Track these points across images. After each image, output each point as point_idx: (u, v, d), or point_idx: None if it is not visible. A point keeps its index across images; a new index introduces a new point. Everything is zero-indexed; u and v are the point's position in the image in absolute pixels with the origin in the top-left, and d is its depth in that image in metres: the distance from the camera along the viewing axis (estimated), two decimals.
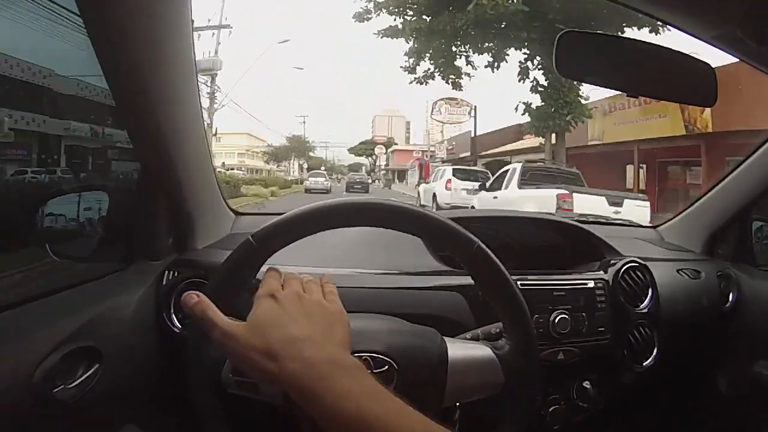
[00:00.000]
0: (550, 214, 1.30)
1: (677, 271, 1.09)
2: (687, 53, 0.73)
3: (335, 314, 0.48)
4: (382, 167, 46.59)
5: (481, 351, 0.56)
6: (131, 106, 0.68)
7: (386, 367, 0.52)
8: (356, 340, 0.53)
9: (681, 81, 0.74)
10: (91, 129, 1.05)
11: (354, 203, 0.56)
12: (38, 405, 0.56)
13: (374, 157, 49.23)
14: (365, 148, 49.74)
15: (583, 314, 0.88)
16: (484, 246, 0.54)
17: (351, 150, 51.44)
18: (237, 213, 1.06)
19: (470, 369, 0.55)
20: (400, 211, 0.55)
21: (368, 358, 0.52)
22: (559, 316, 0.85)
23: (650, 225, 1.40)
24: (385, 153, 45.77)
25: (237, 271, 0.55)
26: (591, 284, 0.91)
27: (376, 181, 41.28)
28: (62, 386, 0.58)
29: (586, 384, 0.89)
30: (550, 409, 0.88)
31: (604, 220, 1.44)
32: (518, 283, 0.83)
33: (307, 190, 19.81)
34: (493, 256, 0.54)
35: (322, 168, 38.95)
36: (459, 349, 0.56)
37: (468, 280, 0.58)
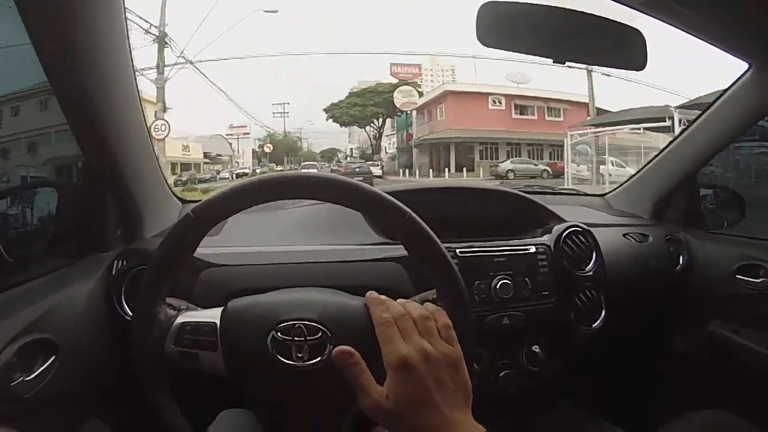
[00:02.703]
0: (495, 184, 1.32)
1: (623, 235, 1.13)
2: (613, 19, 0.75)
3: (457, 363, 0.49)
4: (414, 139, 26.39)
5: None
6: (71, 100, 0.68)
7: (319, 334, 0.54)
8: (290, 309, 0.55)
9: (610, 47, 0.75)
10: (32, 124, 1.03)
11: (288, 176, 0.56)
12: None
13: (379, 120, 30.64)
14: (358, 103, 29.21)
15: (526, 279, 0.90)
16: (415, 215, 0.55)
17: (332, 113, 30.51)
18: (184, 201, 1.07)
19: None
20: (332, 184, 0.56)
21: (302, 326, 0.54)
22: (501, 282, 0.87)
23: (598, 194, 1.43)
24: (414, 104, 25.73)
25: (176, 246, 0.56)
26: (532, 249, 0.93)
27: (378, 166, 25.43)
28: (20, 379, 0.59)
29: (536, 348, 0.91)
30: (501, 375, 0.90)
31: (550, 190, 1.47)
32: (458, 250, 0.87)
33: None
34: (423, 224, 0.56)
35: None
36: None
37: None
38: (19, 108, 0.99)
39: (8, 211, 0.88)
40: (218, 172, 27.31)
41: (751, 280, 1.07)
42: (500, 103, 23.57)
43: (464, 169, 21.25)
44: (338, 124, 32.40)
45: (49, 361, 0.63)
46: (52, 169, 1.12)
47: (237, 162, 34.18)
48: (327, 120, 31.85)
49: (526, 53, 0.70)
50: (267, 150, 30.13)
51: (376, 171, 21.98)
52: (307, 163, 27.29)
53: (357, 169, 19.41)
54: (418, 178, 22.16)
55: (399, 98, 25.99)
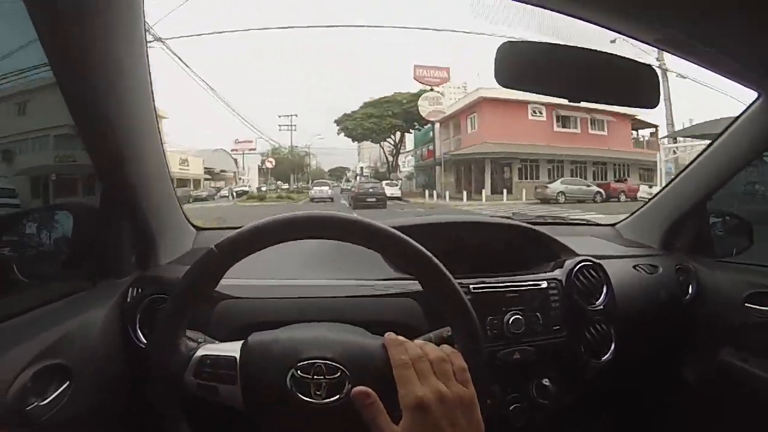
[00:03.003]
0: (504, 217, 1.33)
1: (634, 267, 1.13)
2: (627, 57, 0.76)
3: (470, 405, 0.50)
4: (437, 155, 22.79)
5: None
6: (90, 127, 0.69)
7: (338, 373, 0.54)
8: (310, 347, 0.56)
9: (624, 85, 0.76)
10: (55, 153, 1.05)
11: (311, 217, 0.58)
12: (12, 422, 0.57)
13: (396, 135, 27.19)
14: (374, 114, 25.75)
15: (537, 314, 0.90)
16: (432, 257, 0.57)
17: (345, 126, 27.22)
18: (198, 228, 1.07)
19: None
20: (352, 225, 0.57)
21: (321, 365, 0.54)
22: (513, 317, 0.88)
23: (609, 223, 1.44)
24: (442, 113, 22.32)
25: (199, 280, 0.57)
26: (544, 284, 0.93)
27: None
28: (35, 403, 0.59)
29: (546, 381, 0.91)
30: (511, 408, 0.90)
31: (561, 220, 1.47)
32: (470, 286, 0.87)
33: (312, 199, 19.33)
34: (440, 265, 0.57)
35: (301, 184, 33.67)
36: None
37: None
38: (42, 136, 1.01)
39: (25, 233, 0.89)
40: (218, 190, 25.88)
41: (761, 308, 1.06)
42: (541, 113, 20.32)
43: (504, 191, 17.94)
44: (350, 139, 29.31)
45: (64, 386, 0.64)
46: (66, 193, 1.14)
47: (241, 178, 32.54)
48: (338, 133, 28.25)
49: (542, 93, 0.71)
50: (269, 165, 28.06)
51: (394, 192, 19.89)
52: (319, 180, 26.35)
53: (371, 190, 17.01)
54: (448, 201, 18.56)
55: (425, 106, 22.43)
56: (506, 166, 19.42)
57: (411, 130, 27.82)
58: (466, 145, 21.20)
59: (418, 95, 23.70)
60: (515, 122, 19.45)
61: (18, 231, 0.88)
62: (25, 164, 1.04)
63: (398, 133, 28.32)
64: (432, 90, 23.06)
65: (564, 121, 20.79)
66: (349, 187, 27.08)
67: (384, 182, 20.25)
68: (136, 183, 0.78)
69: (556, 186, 16.31)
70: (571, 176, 18.65)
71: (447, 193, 19.77)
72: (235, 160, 34.80)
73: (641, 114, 20.13)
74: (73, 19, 0.56)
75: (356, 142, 33.13)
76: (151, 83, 0.75)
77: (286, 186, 30.60)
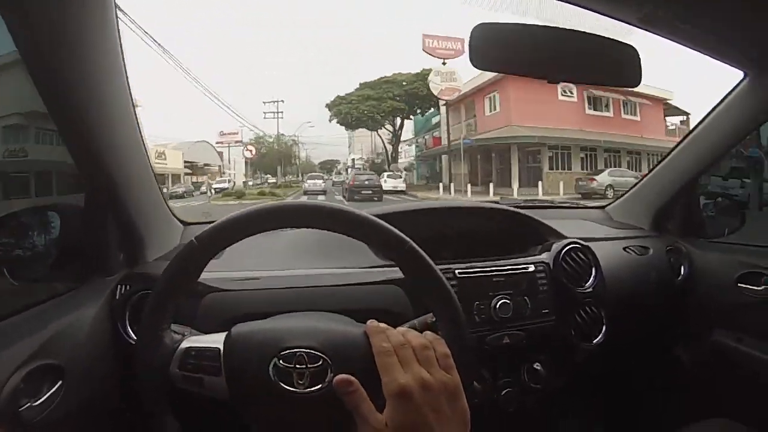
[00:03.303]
0: (490, 201, 1.32)
1: (624, 248, 1.13)
2: (607, 36, 0.75)
3: (455, 391, 0.49)
4: (462, 138, 18.58)
5: None
6: (68, 124, 0.69)
7: (321, 362, 0.54)
8: (292, 336, 0.56)
9: (604, 64, 0.76)
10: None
11: (290, 206, 0.58)
12: (6, 425, 0.57)
13: (396, 122, 24.02)
14: (372, 97, 22.97)
15: (525, 298, 0.90)
16: (415, 246, 0.57)
17: (338, 110, 24.29)
18: (185, 224, 1.07)
19: None
20: (333, 214, 0.58)
21: (303, 354, 0.55)
22: (501, 301, 0.88)
23: (599, 206, 1.43)
24: (458, 91, 18.83)
25: (180, 273, 0.58)
26: (531, 268, 0.93)
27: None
28: (28, 404, 0.59)
29: (537, 366, 0.91)
30: (503, 393, 0.90)
31: (550, 203, 1.47)
32: (456, 271, 0.87)
33: (306, 192, 18.98)
34: (424, 255, 0.57)
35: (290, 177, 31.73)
36: None
37: None
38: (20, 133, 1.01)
39: (12, 234, 0.89)
40: (199, 186, 24.35)
41: (754, 288, 1.06)
42: (572, 93, 17.41)
43: (539, 183, 15.18)
44: (344, 127, 26.58)
45: (56, 386, 0.64)
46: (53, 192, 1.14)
47: (226, 172, 30.25)
48: (331, 120, 25.13)
49: (519, 74, 0.71)
50: (248, 155, 26.48)
51: (398, 184, 18.02)
52: (312, 174, 25.82)
53: (366, 182, 15.92)
54: (470, 195, 15.51)
55: (436, 83, 19.09)
56: (536, 154, 16.77)
57: (411, 116, 25.34)
58: (484, 129, 18.10)
59: (422, 75, 20.98)
60: (544, 103, 15.94)
61: (4, 232, 0.88)
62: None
63: (398, 119, 25.23)
64: (444, 63, 19.33)
65: (595, 102, 18.14)
66: (341, 180, 25.68)
67: (385, 174, 18.94)
68: (118, 180, 0.78)
69: (604, 178, 13.92)
70: (606, 167, 16.28)
71: (469, 187, 16.57)
72: (220, 154, 32.46)
73: (674, 99, 18.48)
74: (42, 8, 0.56)
75: (349, 131, 30.34)
76: (126, 73, 0.75)
77: (273, 180, 27.89)
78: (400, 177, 19.71)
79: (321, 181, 22.02)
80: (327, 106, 25.74)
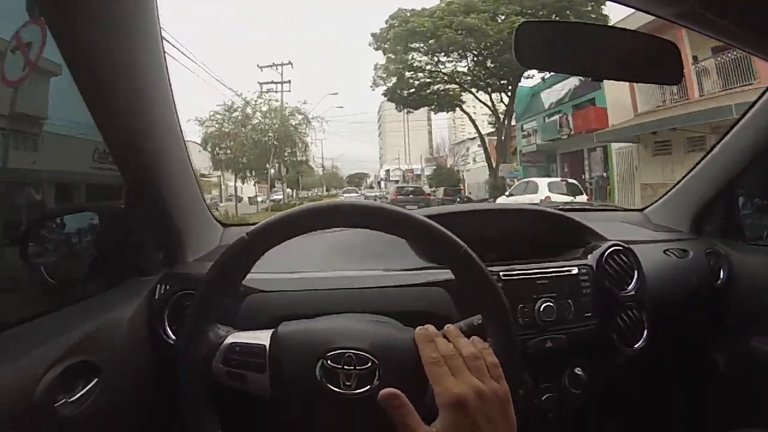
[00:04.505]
0: (532, 204, 1.31)
1: (664, 251, 1.10)
2: (648, 33, 0.75)
3: (505, 400, 0.49)
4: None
5: None
6: (111, 127, 0.70)
7: (369, 363, 0.54)
8: (341, 337, 0.56)
9: (645, 61, 0.75)
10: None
11: (342, 205, 0.58)
12: (41, 419, 0.58)
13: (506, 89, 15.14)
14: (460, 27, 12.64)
15: (569, 301, 0.89)
16: (470, 250, 0.56)
17: (400, 41, 14.26)
18: (225, 225, 1.08)
19: None
20: (386, 214, 0.57)
21: (352, 355, 0.54)
22: (544, 305, 0.86)
23: (636, 208, 1.40)
24: None
25: (230, 268, 0.57)
26: (575, 270, 0.91)
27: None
28: (63, 400, 0.60)
29: (578, 370, 0.89)
30: (543, 398, 0.88)
31: (589, 206, 1.45)
32: (501, 274, 0.86)
33: None
34: (478, 260, 0.56)
35: (314, 191, 27.29)
36: None
37: (450, 275, 0.59)
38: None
39: (51, 234, 0.91)
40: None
41: None
42: None
43: None
44: (396, 105, 16.58)
45: (92, 383, 0.65)
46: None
47: (227, 185, 19.58)
48: (382, 75, 15.24)
49: (564, 72, 0.71)
50: (199, 146, 14.30)
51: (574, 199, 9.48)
52: (348, 188, 25.82)
53: (411, 196, 14.11)
54: None
55: None
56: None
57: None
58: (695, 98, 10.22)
59: None
60: None
61: (46, 233, 0.90)
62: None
63: (508, 83, 14.66)
64: None
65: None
66: (373, 195, 23.14)
67: (543, 182, 10.57)
68: (159, 181, 0.79)
69: None
70: None
71: None
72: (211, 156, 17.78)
73: None
74: (87, 20, 0.57)
75: (402, 110, 18.41)
76: (169, 80, 0.77)
77: (279, 196, 19.10)
78: (577, 187, 10.87)
79: (356, 194, 22.29)
80: (375, 38, 15.14)
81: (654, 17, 0.71)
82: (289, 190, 22.44)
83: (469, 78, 15.91)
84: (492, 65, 14.79)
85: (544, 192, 10.19)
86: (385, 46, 15.44)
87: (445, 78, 16.12)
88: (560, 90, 14.65)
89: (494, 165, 17.24)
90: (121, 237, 0.86)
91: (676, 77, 0.77)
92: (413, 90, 16.47)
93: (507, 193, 10.92)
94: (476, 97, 15.94)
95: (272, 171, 15.47)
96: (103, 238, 0.89)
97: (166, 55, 0.74)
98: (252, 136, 14.80)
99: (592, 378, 0.90)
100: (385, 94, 16.95)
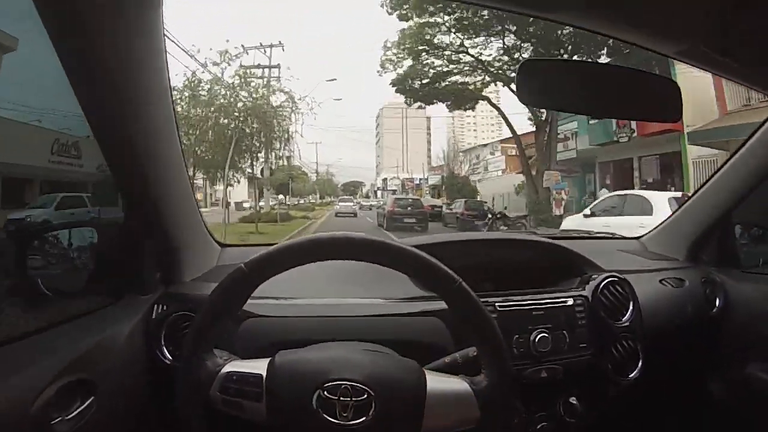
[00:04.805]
0: (528, 233, 1.32)
1: (660, 281, 1.10)
2: (649, 72, 0.75)
3: None
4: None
5: (459, 386, 0.58)
6: (112, 146, 0.70)
7: (365, 395, 0.54)
8: (338, 368, 0.56)
9: (646, 99, 0.75)
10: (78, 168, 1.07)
11: (340, 238, 0.59)
12: None
13: None
14: None
15: (564, 332, 0.89)
16: (464, 284, 0.57)
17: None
18: (222, 245, 1.08)
19: (447, 403, 0.57)
20: (381, 248, 0.59)
21: (348, 386, 0.55)
22: (540, 335, 0.87)
23: (633, 237, 1.42)
24: None
25: (227, 298, 0.58)
26: (570, 302, 0.92)
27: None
28: (60, 418, 0.60)
29: (573, 400, 0.90)
30: (539, 427, 0.89)
31: (586, 235, 1.46)
32: (497, 305, 0.87)
33: (337, 214, 19.25)
34: (472, 294, 0.57)
35: (307, 199, 27.10)
36: (437, 382, 0.58)
37: (445, 305, 0.60)
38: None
39: (50, 249, 0.91)
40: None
41: None
42: None
43: None
44: (409, 99, 14.02)
45: (88, 402, 0.64)
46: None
47: (214, 189, 17.43)
48: (388, 57, 13.03)
49: (566, 110, 0.71)
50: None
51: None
52: (343, 197, 25.79)
53: (409, 209, 13.07)
54: None
55: None
56: None
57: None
58: None
59: None
60: None
61: (43, 247, 0.90)
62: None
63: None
64: None
65: None
66: (368, 204, 23.60)
67: (643, 195, 7.16)
68: (158, 198, 0.79)
69: None
70: None
71: None
72: None
73: None
74: (87, 22, 0.56)
75: (411, 105, 14.92)
76: (172, 101, 0.77)
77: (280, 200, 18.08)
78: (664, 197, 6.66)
79: (351, 203, 22.16)
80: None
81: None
82: (281, 196, 21.50)
83: (496, 66, 12.65)
84: (531, 51, 11.94)
85: (663, 211, 5.36)
86: (404, 10, 12.13)
87: (467, 67, 13.11)
88: None
89: (530, 173, 13.65)
90: (119, 254, 0.86)
91: (676, 114, 0.77)
92: (428, 80, 13.33)
93: (587, 212, 7.45)
94: (511, 90, 11.65)
95: (248, 170, 11.56)
96: (101, 255, 0.89)
97: (168, 67, 0.74)
98: (220, 120, 9.80)
99: (587, 407, 0.91)
100: (393, 84, 13.48)
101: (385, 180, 32.47)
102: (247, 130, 10.11)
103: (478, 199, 17.43)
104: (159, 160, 0.77)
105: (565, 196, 11.72)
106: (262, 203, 14.59)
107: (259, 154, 11.20)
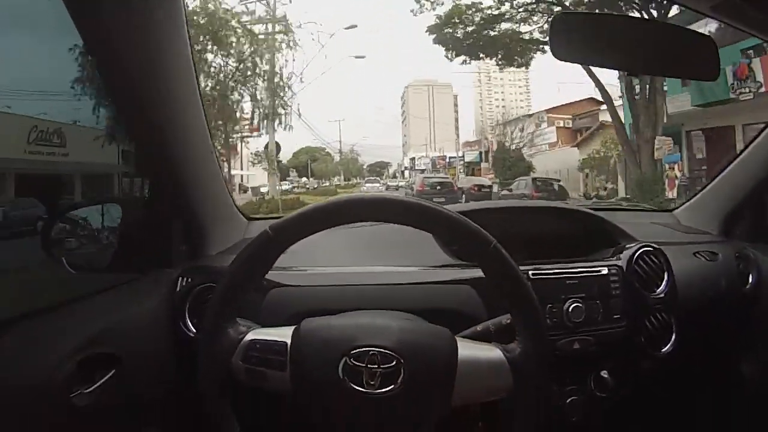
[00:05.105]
0: (563, 202, 1.30)
1: (694, 254, 1.07)
2: (686, 27, 0.73)
3: None
4: None
5: (492, 353, 0.56)
6: (137, 121, 0.71)
7: (393, 362, 0.53)
8: (365, 335, 0.54)
9: (682, 56, 0.73)
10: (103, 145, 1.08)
11: (369, 199, 0.57)
12: (56, 410, 0.58)
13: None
14: None
15: (598, 302, 0.87)
16: (500, 246, 0.55)
17: None
18: (249, 218, 1.08)
19: (479, 371, 0.55)
20: (414, 208, 0.56)
21: (376, 353, 0.53)
22: (573, 305, 0.84)
23: (666, 209, 1.38)
24: None
25: (252, 262, 0.56)
26: (605, 271, 0.89)
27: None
28: (79, 391, 0.60)
29: (604, 373, 0.87)
30: (568, 401, 0.87)
31: (618, 206, 1.42)
32: (530, 273, 0.85)
33: None
34: (508, 256, 0.55)
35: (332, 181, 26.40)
36: (469, 349, 0.56)
37: (478, 273, 0.58)
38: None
39: (74, 225, 0.92)
40: None
41: None
42: None
43: None
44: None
45: (110, 375, 0.64)
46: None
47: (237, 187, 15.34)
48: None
49: (600, 66, 0.69)
50: None
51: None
52: (370, 178, 24.95)
53: (438, 187, 12.32)
54: None
55: None
56: None
57: None
58: None
59: None
60: None
61: (70, 223, 0.91)
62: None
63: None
64: None
65: None
66: (395, 185, 22.35)
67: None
68: (184, 174, 0.79)
69: None
70: None
71: None
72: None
73: None
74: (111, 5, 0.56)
75: (453, 59, 11.98)
76: (197, 75, 0.76)
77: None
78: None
79: (378, 184, 21.63)
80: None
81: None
82: (304, 179, 20.07)
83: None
84: None
85: None
86: None
87: (522, 11, 10.36)
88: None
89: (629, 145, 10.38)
90: (144, 228, 0.86)
91: (712, 73, 0.74)
92: (473, 27, 10.81)
93: None
94: None
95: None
96: (126, 229, 0.90)
97: (191, 41, 0.74)
98: None
99: (619, 382, 0.88)
100: (431, 31, 11.03)
101: (413, 159, 30.97)
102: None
103: (536, 176, 14.08)
104: (184, 136, 0.77)
105: (679, 173, 9.10)
106: (285, 185, 12.96)
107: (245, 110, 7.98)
